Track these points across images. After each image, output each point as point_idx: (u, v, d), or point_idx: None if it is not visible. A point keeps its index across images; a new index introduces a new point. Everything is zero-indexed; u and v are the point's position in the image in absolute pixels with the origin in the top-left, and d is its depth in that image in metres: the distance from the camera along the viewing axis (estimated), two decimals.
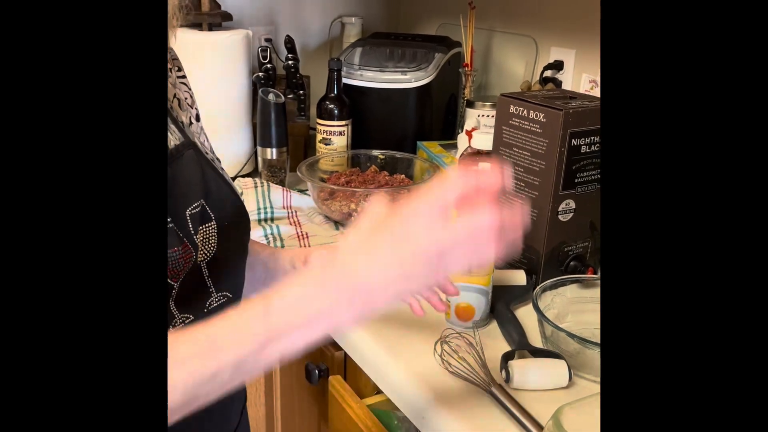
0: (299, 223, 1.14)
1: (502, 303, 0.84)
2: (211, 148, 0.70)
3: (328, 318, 0.48)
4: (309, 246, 1.03)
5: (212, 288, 0.62)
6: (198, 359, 0.46)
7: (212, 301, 0.63)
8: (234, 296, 0.66)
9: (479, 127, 1.12)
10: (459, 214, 0.46)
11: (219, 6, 1.40)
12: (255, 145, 1.31)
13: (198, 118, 0.69)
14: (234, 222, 0.64)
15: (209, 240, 0.60)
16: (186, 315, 0.60)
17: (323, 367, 0.94)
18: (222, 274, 0.63)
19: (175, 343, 0.45)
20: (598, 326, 0.81)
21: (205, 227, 0.60)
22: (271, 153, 1.27)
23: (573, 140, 0.85)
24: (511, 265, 0.94)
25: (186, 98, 0.68)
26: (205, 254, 0.60)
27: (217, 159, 0.68)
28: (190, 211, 0.58)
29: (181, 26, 0.61)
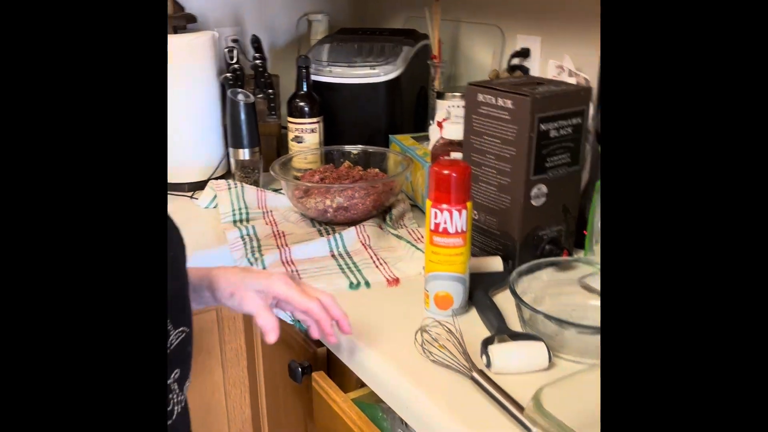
0: (275, 222, 1.14)
1: (480, 290, 0.85)
2: None
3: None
4: (286, 245, 1.03)
5: (170, 326, 0.61)
6: None
7: (172, 339, 0.61)
8: (190, 329, 0.64)
9: (450, 117, 1.12)
10: None
11: (182, 8, 1.39)
12: (227, 147, 1.30)
13: None
14: (177, 250, 0.62)
15: None
16: None
17: (306, 364, 0.94)
18: (176, 309, 0.62)
19: None
20: (576, 308, 0.82)
21: None
22: (244, 154, 1.26)
23: (542, 125, 0.86)
24: (487, 252, 0.95)
25: None
26: None
27: None
28: None
29: None
